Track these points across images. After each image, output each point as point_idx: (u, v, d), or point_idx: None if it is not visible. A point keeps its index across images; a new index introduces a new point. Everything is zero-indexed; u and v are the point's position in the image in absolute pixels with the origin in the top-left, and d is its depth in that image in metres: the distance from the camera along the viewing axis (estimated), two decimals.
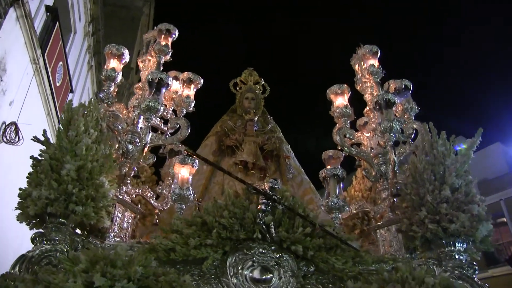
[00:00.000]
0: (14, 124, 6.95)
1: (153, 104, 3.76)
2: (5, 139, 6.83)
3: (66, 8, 9.28)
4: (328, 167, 4.37)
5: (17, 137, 6.97)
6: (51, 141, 3.56)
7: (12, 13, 6.78)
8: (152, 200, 3.97)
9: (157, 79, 3.83)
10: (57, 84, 8.85)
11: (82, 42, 11.08)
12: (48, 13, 8.11)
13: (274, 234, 3.32)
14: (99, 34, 11.55)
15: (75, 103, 11.26)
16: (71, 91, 10.08)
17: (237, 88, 5.85)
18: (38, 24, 7.81)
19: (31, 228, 3.51)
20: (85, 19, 10.94)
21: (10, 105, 7.02)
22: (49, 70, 8.23)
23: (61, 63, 8.92)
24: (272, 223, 3.34)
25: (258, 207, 3.37)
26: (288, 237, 3.31)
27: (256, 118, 5.46)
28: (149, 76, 3.89)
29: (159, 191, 4.05)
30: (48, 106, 8.51)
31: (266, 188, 3.44)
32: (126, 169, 3.78)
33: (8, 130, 6.89)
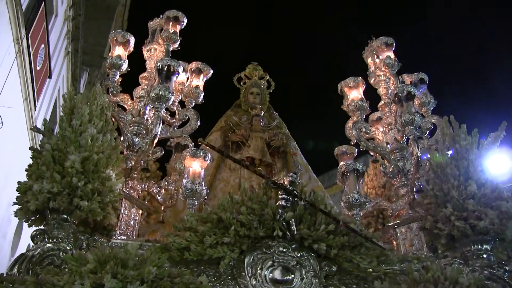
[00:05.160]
0: None
1: (163, 93, 3.52)
2: None
3: None
4: (342, 163, 4.18)
5: None
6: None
7: None
8: (158, 196, 3.71)
9: (167, 67, 3.59)
10: (37, 68, 8.38)
11: (61, 27, 10.54)
12: None
13: (295, 232, 3.11)
14: (79, 20, 11.06)
15: (50, 90, 10.74)
16: (49, 77, 9.57)
17: (241, 83, 5.65)
18: (23, 2, 7.29)
19: (30, 225, 3.23)
20: (67, 3, 10.44)
21: None
22: (31, 53, 7.77)
23: (43, 46, 8.46)
24: (293, 220, 3.13)
25: (278, 203, 3.15)
26: (310, 235, 3.10)
27: (262, 114, 5.26)
28: (159, 64, 3.64)
29: (166, 186, 3.79)
30: (26, 90, 7.96)
31: (286, 183, 3.22)
32: (133, 163, 3.53)
33: None
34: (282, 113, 5.59)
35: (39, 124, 9.53)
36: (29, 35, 7.56)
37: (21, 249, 9.64)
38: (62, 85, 11.81)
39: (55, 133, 3.35)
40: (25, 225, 9.54)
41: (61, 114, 3.39)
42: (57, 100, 11.56)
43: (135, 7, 14.52)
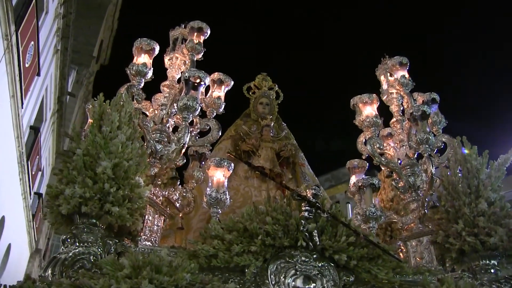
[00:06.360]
0: None
1: (191, 103, 3.60)
2: None
3: None
4: (353, 176, 4.33)
5: None
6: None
7: None
8: (177, 203, 3.80)
9: (194, 78, 3.68)
10: (26, 65, 8.30)
11: (52, 24, 10.45)
12: None
13: (318, 243, 3.23)
14: (70, 18, 11.00)
15: (38, 88, 10.60)
16: (38, 74, 9.49)
17: (250, 93, 5.72)
18: None
19: (56, 228, 3.28)
20: (58, 0, 10.36)
21: None
22: (21, 49, 7.70)
23: (32, 43, 8.37)
24: (316, 231, 3.25)
25: (301, 214, 3.27)
26: (332, 246, 3.24)
27: (272, 124, 5.37)
28: (186, 74, 3.72)
29: (183, 194, 3.88)
30: (14, 87, 7.92)
31: (309, 195, 3.35)
32: (156, 170, 3.60)
33: None
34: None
35: (25, 122, 9.46)
36: (19, 31, 7.47)
37: (0, 250, 9.56)
38: (50, 83, 11.68)
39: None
40: (6, 226, 9.41)
41: (90, 119, 3.46)
42: (44, 98, 11.44)
43: (126, 6, 14.51)
